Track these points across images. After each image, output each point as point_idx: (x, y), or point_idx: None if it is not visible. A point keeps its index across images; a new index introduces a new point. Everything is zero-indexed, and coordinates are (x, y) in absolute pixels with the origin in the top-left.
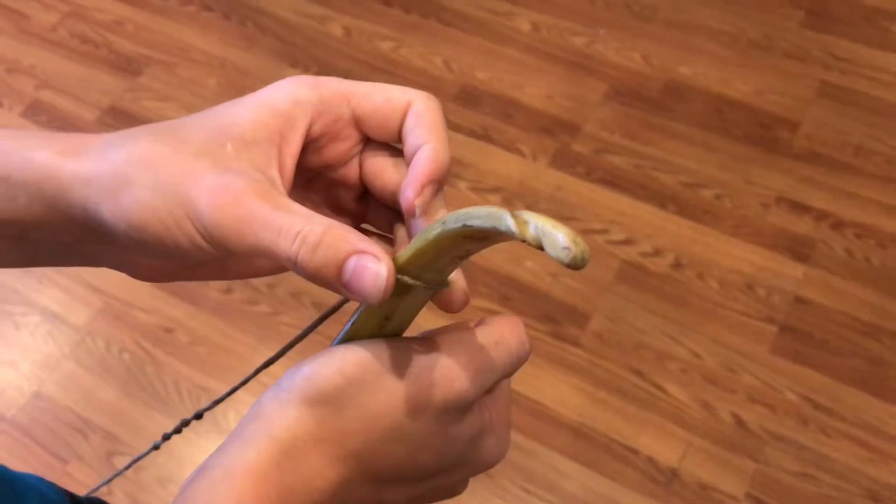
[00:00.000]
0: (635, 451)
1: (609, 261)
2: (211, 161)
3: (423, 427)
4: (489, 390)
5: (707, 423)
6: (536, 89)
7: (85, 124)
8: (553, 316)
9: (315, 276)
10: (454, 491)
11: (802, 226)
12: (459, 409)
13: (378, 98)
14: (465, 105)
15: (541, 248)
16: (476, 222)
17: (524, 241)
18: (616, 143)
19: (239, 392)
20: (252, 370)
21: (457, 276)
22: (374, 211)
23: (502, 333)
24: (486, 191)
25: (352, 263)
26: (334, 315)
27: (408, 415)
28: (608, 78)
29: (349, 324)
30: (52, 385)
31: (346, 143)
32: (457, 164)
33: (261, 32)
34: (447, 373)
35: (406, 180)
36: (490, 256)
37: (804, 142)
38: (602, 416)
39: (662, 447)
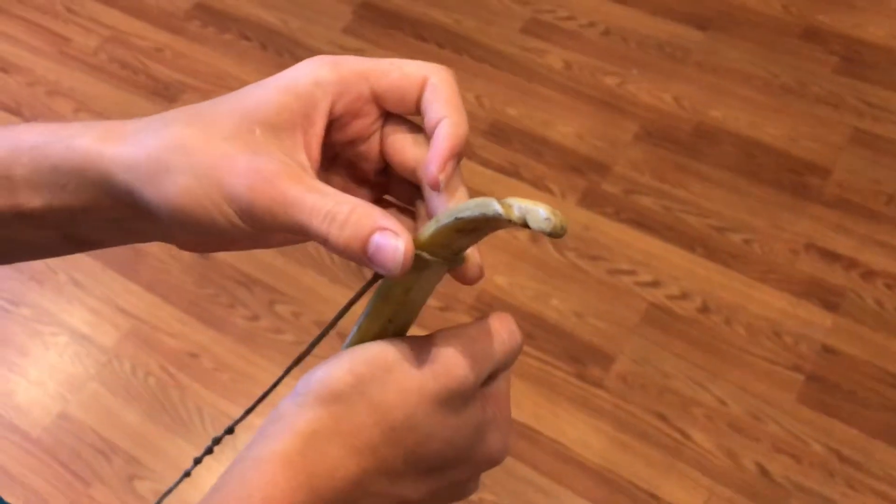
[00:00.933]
0: (657, 498)
1: (636, 302)
2: (242, 145)
3: (430, 415)
4: (489, 385)
5: (731, 472)
6: (567, 127)
7: None
8: (577, 356)
9: (344, 251)
10: (466, 490)
11: (832, 274)
12: (462, 396)
13: (395, 74)
14: (495, 141)
15: (526, 225)
16: (466, 213)
17: (510, 222)
18: (646, 184)
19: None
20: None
21: (472, 252)
22: (395, 184)
23: (493, 326)
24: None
25: (375, 239)
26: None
27: (416, 404)
28: (639, 118)
29: (354, 329)
30: (77, 406)
31: (367, 120)
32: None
33: (297, 63)
34: (447, 361)
35: (428, 157)
36: (515, 294)
37: (835, 189)
38: (624, 460)
39: (685, 494)
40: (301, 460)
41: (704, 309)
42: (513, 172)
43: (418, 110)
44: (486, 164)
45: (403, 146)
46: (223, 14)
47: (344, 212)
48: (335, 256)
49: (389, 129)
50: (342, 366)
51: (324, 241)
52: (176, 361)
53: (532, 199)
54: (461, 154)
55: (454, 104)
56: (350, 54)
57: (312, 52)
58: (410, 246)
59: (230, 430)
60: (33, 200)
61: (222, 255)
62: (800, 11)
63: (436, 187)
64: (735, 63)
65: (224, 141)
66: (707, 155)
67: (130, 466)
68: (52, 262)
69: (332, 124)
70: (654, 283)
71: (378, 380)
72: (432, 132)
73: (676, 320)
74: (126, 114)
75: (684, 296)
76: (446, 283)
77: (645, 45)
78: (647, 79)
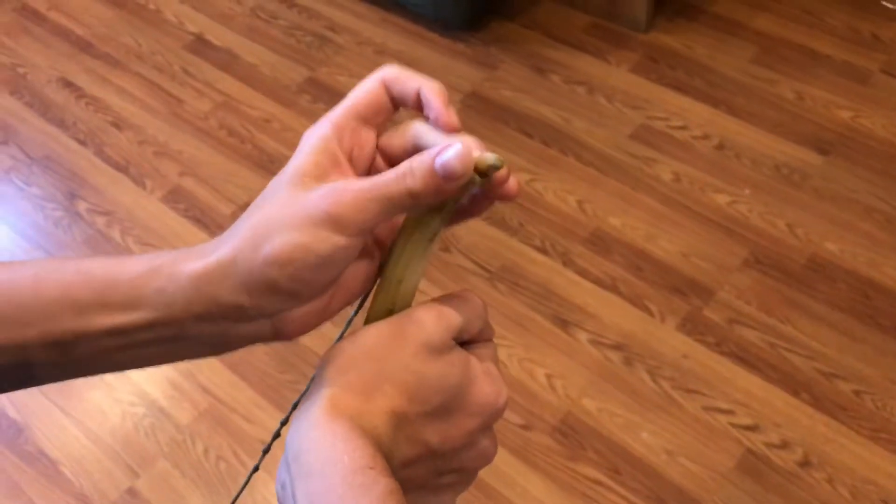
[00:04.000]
0: None
1: (731, 446)
2: (305, 189)
3: (417, 358)
4: (472, 348)
5: None
6: (671, 244)
7: (221, 218)
8: (664, 499)
9: (424, 189)
10: (482, 446)
11: None
12: (439, 339)
13: (361, 96)
14: (594, 251)
15: (480, 171)
16: None
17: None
18: (751, 315)
19: None
20: None
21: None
22: None
23: (454, 293)
24: (606, 346)
25: (438, 160)
26: None
27: (402, 350)
28: (749, 243)
29: (367, 314)
30: (146, 483)
31: (369, 146)
32: (579, 312)
33: None
34: (419, 315)
35: (433, 116)
36: (604, 421)
37: None
38: None
39: None
40: (338, 413)
41: (805, 463)
42: (610, 286)
43: (396, 108)
44: (582, 273)
45: (392, 140)
46: (334, 91)
47: (406, 165)
48: None
49: (378, 143)
50: (347, 339)
51: (409, 196)
52: (249, 448)
53: (629, 317)
54: (447, 99)
55: (413, 76)
56: None
57: None
58: (467, 145)
59: (288, 419)
60: (133, 315)
61: (306, 341)
62: None
63: (455, 128)
64: (856, 193)
65: (292, 197)
66: (819, 291)
67: None
68: None
69: (351, 161)
70: (753, 427)
71: (372, 340)
72: (416, 103)
73: (774, 472)
74: (229, 182)
75: (784, 445)
76: (530, 403)
77: (760, 164)
78: (761, 201)
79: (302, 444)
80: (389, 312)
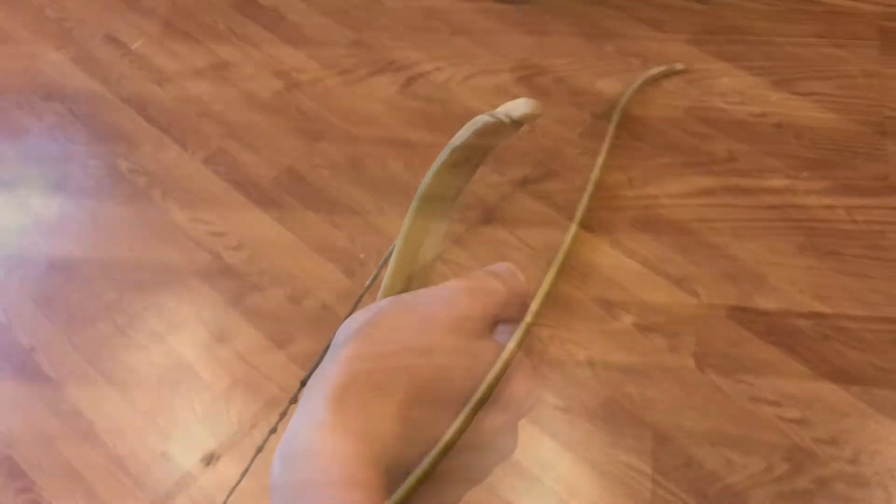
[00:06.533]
0: None
1: (777, 440)
2: None
3: (444, 341)
4: (499, 326)
5: None
6: (723, 226)
7: (263, 182)
8: (705, 492)
9: None
10: (505, 449)
11: None
12: (471, 323)
13: None
14: (642, 229)
15: (511, 119)
16: (459, 140)
17: (497, 121)
18: (805, 304)
19: None
20: None
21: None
22: None
23: (494, 268)
24: (650, 329)
25: None
26: None
27: (430, 332)
28: (805, 228)
29: (381, 289)
30: (179, 448)
31: None
32: (623, 292)
33: (447, 119)
34: (451, 295)
35: None
36: (647, 407)
37: None
38: None
39: None
40: (343, 417)
41: (854, 462)
42: (658, 268)
43: None
44: (629, 253)
45: None
46: (379, 54)
47: None
48: None
49: None
50: (366, 310)
51: None
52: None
53: (676, 301)
54: None
55: None
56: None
57: (468, 111)
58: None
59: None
60: None
61: (344, 313)
62: None
63: None
64: None
65: None
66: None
67: None
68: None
69: None
70: (801, 421)
71: (395, 315)
72: None
73: (822, 469)
74: (271, 146)
75: (833, 442)
76: (570, 385)
77: (821, 146)
78: (820, 177)
79: (299, 448)
80: (408, 279)
